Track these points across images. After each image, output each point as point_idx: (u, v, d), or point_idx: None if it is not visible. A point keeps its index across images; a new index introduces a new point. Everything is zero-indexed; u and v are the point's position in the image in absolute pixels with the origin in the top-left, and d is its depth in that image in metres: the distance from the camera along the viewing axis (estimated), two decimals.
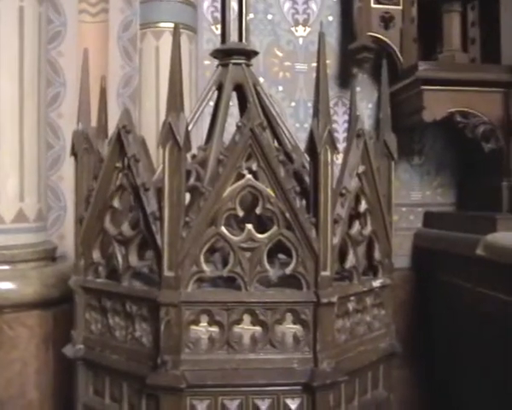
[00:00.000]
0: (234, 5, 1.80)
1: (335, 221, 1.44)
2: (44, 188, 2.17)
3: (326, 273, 1.40)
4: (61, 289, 1.99)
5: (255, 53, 1.82)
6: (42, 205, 2.12)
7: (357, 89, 2.88)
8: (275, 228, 1.40)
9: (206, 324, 1.39)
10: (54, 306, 2.02)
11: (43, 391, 2.00)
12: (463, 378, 2.51)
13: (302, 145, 1.65)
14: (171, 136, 1.37)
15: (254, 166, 1.40)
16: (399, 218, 2.90)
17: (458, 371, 2.56)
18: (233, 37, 1.78)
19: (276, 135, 1.77)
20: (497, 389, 2.20)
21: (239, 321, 1.39)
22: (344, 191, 1.47)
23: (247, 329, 1.39)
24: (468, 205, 2.82)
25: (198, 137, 2.27)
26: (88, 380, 1.57)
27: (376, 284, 1.60)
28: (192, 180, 1.57)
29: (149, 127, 2.51)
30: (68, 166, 2.32)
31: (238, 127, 1.41)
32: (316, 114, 1.42)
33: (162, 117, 1.41)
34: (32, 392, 1.98)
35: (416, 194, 2.97)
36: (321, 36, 1.43)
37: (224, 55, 1.77)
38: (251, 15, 2.71)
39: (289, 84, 2.89)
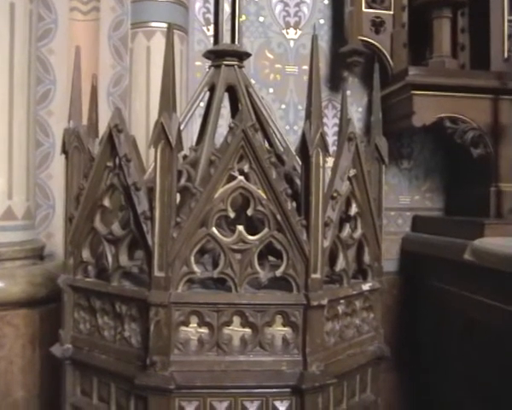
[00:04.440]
0: (226, 7, 1.80)
1: (326, 224, 1.43)
2: (33, 186, 2.16)
3: (316, 276, 1.40)
4: (48, 288, 1.99)
5: (248, 55, 1.81)
6: (30, 203, 2.11)
7: (348, 92, 2.89)
8: (266, 230, 1.40)
9: (195, 325, 1.38)
10: (41, 305, 2.01)
11: (29, 390, 1.99)
12: (449, 382, 2.52)
13: (292, 147, 1.65)
14: (163, 136, 1.36)
15: (246, 168, 1.40)
16: (388, 222, 2.92)
17: (444, 376, 2.57)
18: (225, 38, 1.78)
19: (267, 137, 1.77)
20: (482, 393, 2.21)
21: (229, 323, 1.38)
22: (335, 194, 1.47)
23: (236, 331, 1.39)
24: (457, 210, 2.84)
25: (188, 139, 2.27)
26: (76, 380, 1.55)
27: (366, 287, 1.60)
28: (183, 181, 1.57)
29: (139, 127, 2.48)
30: (57, 165, 2.32)
31: (230, 128, 1.40)
32: (308, 116, 1.42)
33: (152, 117, 1.40)
34: (17, 391, 1.97)
35: (404, 198, 2.99)
36: (314, 39, 1.43)
37: (216, 56, 1.77)
38: (242, 17, 2.72)
39: (280, 87, 2.89)
